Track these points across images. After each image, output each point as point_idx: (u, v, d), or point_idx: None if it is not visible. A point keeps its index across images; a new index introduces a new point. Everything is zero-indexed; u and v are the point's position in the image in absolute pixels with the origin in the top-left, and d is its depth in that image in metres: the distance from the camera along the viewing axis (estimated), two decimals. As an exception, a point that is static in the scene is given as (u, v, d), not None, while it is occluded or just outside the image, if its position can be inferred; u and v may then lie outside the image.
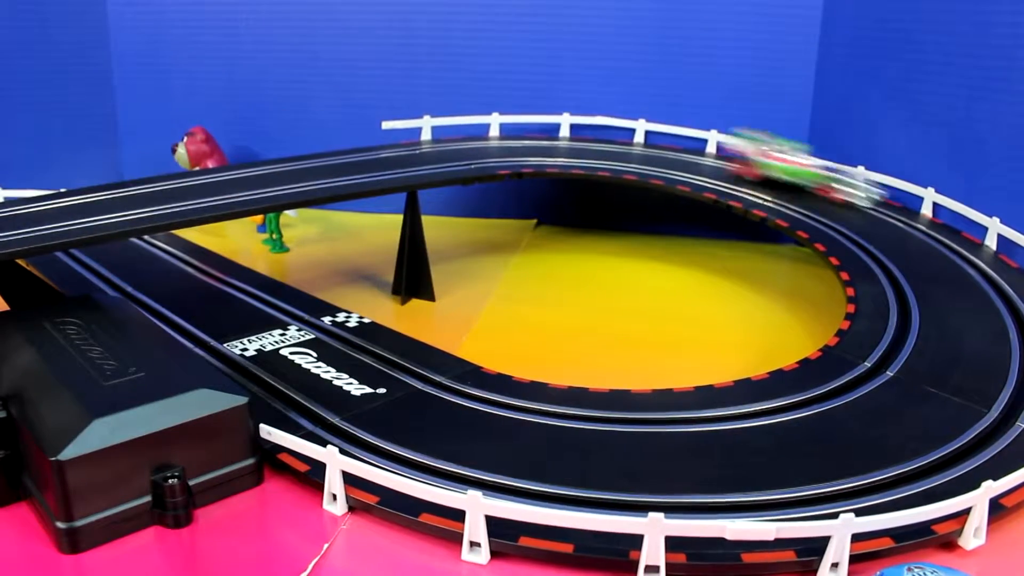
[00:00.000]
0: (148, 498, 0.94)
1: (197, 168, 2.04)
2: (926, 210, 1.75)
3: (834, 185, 1.63)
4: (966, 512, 0.92)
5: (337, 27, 2.16)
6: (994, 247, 1.60)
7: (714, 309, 1.70)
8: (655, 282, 1.84)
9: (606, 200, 2.15)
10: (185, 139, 2.08)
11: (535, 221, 2.21)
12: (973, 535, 0.92)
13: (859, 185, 1.66)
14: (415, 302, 1.66)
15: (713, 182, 1.83)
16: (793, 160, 1.70)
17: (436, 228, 2.03)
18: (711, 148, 2.04)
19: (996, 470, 0.98)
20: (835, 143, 1.96)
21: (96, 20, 2.22)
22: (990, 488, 0.91)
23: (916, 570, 0.83)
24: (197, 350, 1.31)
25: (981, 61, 1.64)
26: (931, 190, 1.74)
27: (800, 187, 1.78)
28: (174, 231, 1.80)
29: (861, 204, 1.63)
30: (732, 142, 1.84)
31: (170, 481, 0.93)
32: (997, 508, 0.95)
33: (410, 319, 1.59)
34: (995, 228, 1.60)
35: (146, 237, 1.82)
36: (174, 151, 2.08)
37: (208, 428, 0.97)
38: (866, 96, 1.90)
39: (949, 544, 0.93)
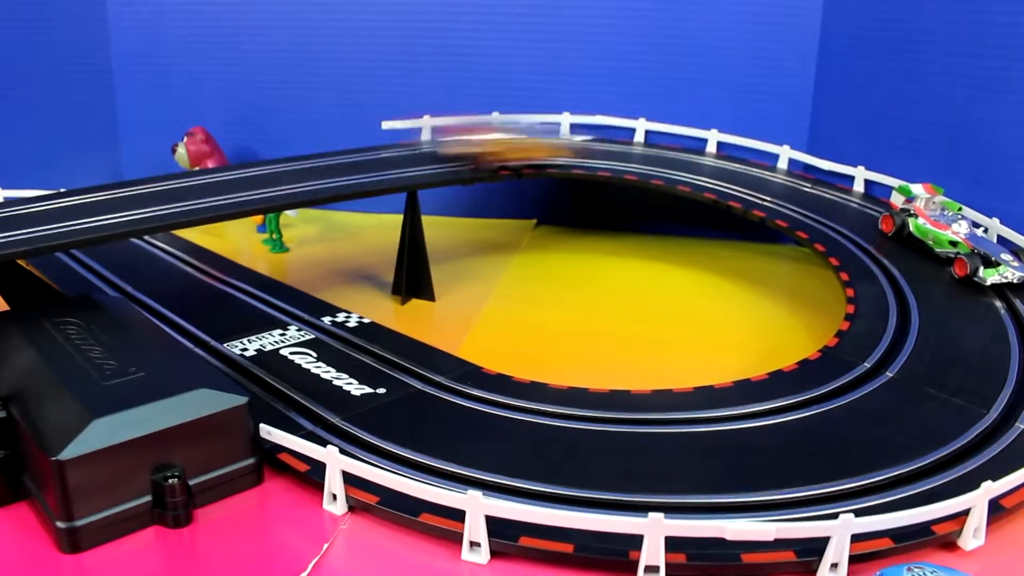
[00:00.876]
0: (148, 498, 0.94)
1: (197, 168, 2.04)
2: (926, 210, 1.75)
3: (980, 274, 1.43)
4: (965, 513, 0.92)
5: (337, 27, 2.16)
6: (994, 247, 1.60)
7: (714, 309, 1.70)
8: (655, 282, 1.84)
9: (606, 200, 2.15)
10: (185, 139, 2.07)
11: (535, 221, 2.20)
12: (972, 536, 0.92)
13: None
14: (415, 302, 1.66)
15: (713, 182, 1.84)
16: (940, 224, 1.55)
17: (436, 228, 2.02)
18: (711, 148, 2.04)
19: (995, 471, 0.98)
20: (836, 143, 1.97)
21: (96, 20, 2.22)
22: (989, 489, 0.91)
23: (916, 570, 0.83)
24: (197, 350, 1.31)
25: (981, 61, 1.64)
26: (931, 190, 1.75)
27: (936, 256, 1.56)
28: (174, 231, 1.80)
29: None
30: (894, 198, 1.69)
31: (170, 481, 0.93)
32: (996, 509, 0.95)
33: (410, 319, 1.59)
34: (995, 228, 1.60)
35: (146, 237, 1.82)
36: (174, 151, 2.08)
37: (208, 428, 0.97)
38: (866, 96, 1.90)
39: (948, 545, 0.93)
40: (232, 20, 2.21)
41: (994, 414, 1.11)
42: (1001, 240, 1.58)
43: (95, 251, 1.70)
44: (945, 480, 0.99)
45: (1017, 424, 1.09)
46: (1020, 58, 1.56)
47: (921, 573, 0.83)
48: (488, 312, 1.63)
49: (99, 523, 0.91)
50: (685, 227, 2.12)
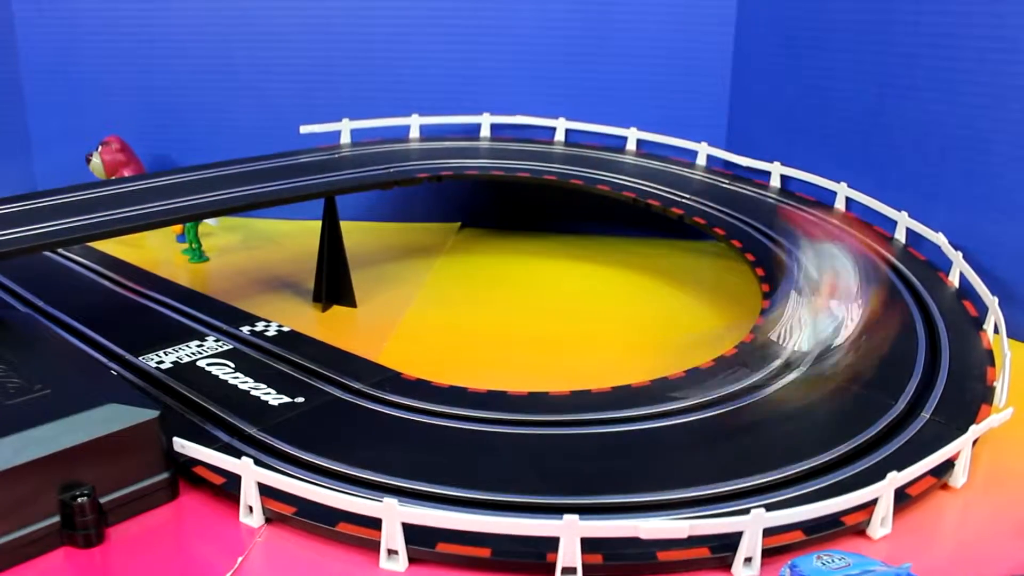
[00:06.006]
0: (57, 518, 0.92)
1: (113, 178, 2.00)
2: (839, 204, 1.79)
3: None
4: (873, 503, 0.94)
5: (253, 31, 2.13)
6: (903, 240, 1.64)
7: (635, 307, 1.72)
8: (579, 282, 1.86)
9: (530, 201, 2.16)
10: (100, 148, 2.03)
11: (459, 224, 2.20)
12: (880, 524, 0.95)
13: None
14: (336, 309, 1.65)
15: (633, 180, 1.85)
16: None
17: (359, 233, 2.02)
18: (631, 146, 2.06)
19: (903, 460, 1.00)
20: (753, 140, 2.00)
21: (2, 28, 2.16)
22: (895, 479, 0.93)
23: (825, 557, 0.85)
24: (112, 364, 1.29)
25: (887, 59, 1.68)
26: (844, 185, 1.78)
27: None
28: (90, 243, 1.76)
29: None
30: None
31: (79, 500, 0.91)
32: (903, 497, 0.97)
33: (331, 326, 1.57)
34: (904, 222, 1.64)
35: (60, 250, 1.78)
36: (88, 161, 2.03)
37: (118, 443, 0.95)
38: (782, 94, 1.93)
39: (858, 533, 0.95)
40: (147, 26, 2.16)
41: (901, 404, 1.14)
42: (910, 233, 1.63)
43: (5, 266, 1.66)
44: (855, 471, 1.01)
45: (923, 414, 1.12)
46: (922, 55, 1.60)
47: (830, 560, 0.85)
48: (410, 317, 1.62)
49: (4, 547, 0.88)
50: (608, 226, 2.13)
